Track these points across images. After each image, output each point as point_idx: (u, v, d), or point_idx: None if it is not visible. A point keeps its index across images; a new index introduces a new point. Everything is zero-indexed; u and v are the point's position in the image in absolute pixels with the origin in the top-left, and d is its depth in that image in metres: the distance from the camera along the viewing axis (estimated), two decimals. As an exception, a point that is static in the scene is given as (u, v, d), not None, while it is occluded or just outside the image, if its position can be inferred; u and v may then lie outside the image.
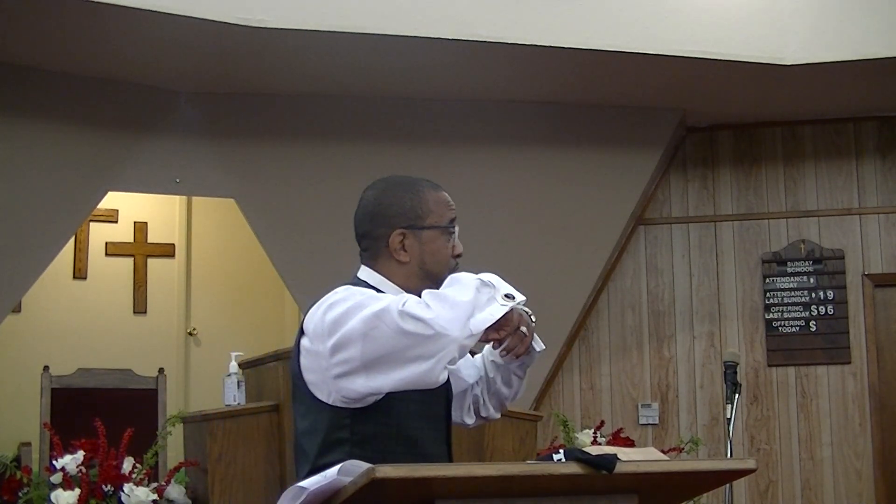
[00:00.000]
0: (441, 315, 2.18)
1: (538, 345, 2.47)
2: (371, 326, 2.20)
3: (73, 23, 5.39)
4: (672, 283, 7.15)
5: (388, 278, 2.43)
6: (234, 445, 4.58)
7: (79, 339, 7.31)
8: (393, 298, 2.25)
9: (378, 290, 2.39)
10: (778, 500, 6.89)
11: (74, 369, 5.74)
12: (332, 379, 2.27)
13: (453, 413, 2.58)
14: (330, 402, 2.29)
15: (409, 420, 2.33)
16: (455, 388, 2.58)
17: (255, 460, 4.58)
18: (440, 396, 2.45)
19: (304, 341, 2.35)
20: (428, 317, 2.17)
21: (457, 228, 2.49)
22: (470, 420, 2.67)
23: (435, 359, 2.18)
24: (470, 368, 2.64)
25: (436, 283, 2.40)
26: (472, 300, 2.23)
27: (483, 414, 2.68)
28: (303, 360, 2.34)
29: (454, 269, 2.46)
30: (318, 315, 2.31)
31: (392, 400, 2.28)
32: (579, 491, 2.09)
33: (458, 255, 2.50)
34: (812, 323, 7.00)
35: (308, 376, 2.33)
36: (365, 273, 2.46)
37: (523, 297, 2.32)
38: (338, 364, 2.25)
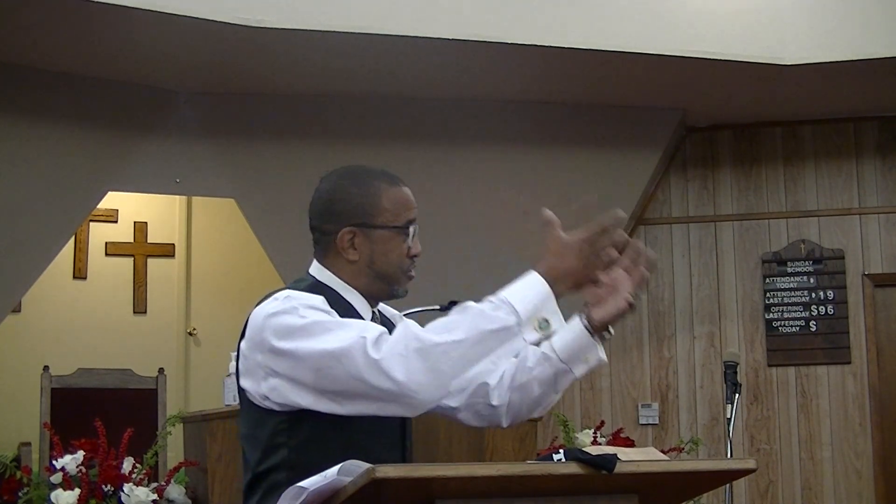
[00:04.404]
0: (415, 378, 2.03)
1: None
2: (325, 365, 2.08)
3: (73, 23, 5.39)
4: (672, 283, 7.15)
5: (336, 275, 2.31)
6: (234, 445, 4.57)
7: (79, 339, 7.31)
8: (360, 335, 2.08)
9: (328, 288, 2.29)
10: (778, 500, 6.89)
11: (74, 369, 5.74)
12: (266, 381, 2.17)
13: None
14: (265, 407, 2.20)
15: (351, 422, 2.17)
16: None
17: (255, 460, 4.57)
18: None
19: (243, 345, 2.25)
20: (400, 378, 2.03)
21: (415, 228, 2.32)
22: (464, 416, 2.40)
23: (395, 405, 2.07)
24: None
25: (387, 283, 2.31)
26: (466, 354, 2.04)
27: (484, 413, 2.38)
28: (241, 365, 2.26)
29: (408, 270, 2.34)
30: (260, 321, 2.19)
31: None
32: (579, 491, 2.09)
33: (415, 256, 2.33)
34: (812, 323, 7.00)
35: (243, 381, 2.24)
36: (315, 269, 2.35)
37: (557, 326, 2.13)
38: (281, 374, 2.15)
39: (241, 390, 2.26)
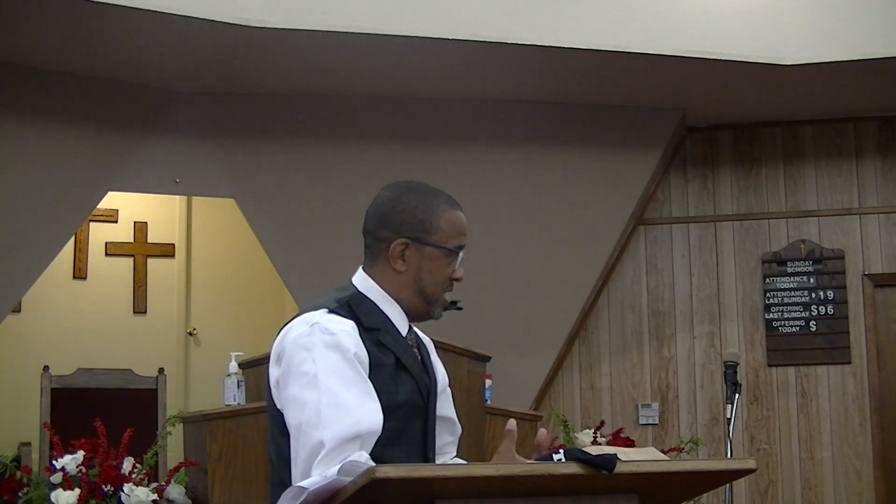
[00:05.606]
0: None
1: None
2: (295, 431, 2.17)
3: (73, 23, 5.39)
4: (672, 283, 7.15)
5: (380, 285, 2.37)
6: (234, 445, 4.58)
7: (79, 339, 7.32)
8: (322, 437, 2.11)
9: (367, 299, 2.35)
10: (778, 500, 6.89)
11: (74, 369, 5.74)
12: (277, 391, 2.28)
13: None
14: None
15: (377, 447, 2.19)
16: (440, 411, 2.48)
17: (255, 460, 4.58)
18: (417, 415, 2.35)
19: (273, 351, 2.32)
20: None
21: (461, 255, 2.42)
22: None
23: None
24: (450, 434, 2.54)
25: (425, 301, 2.37)
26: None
27: None
28: (269, 368, 2.33)
29: (447, 291, 2.40)
30: (286, 341, 2.27)
31: None
32: (579, 491, 2.09)
33: (457, 280, 2.42)
34: (812, 323, 7.00)
35: (272, 380, 2.32)
36: (359, 278, 2.40)
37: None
38: (283, 395, 2.25)
39: (269, 391, 2.33)
